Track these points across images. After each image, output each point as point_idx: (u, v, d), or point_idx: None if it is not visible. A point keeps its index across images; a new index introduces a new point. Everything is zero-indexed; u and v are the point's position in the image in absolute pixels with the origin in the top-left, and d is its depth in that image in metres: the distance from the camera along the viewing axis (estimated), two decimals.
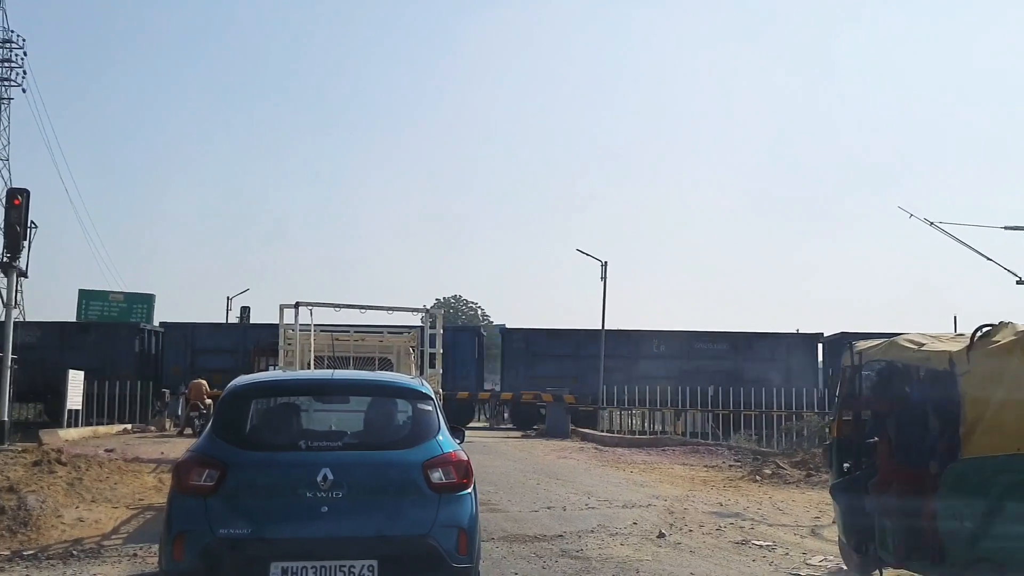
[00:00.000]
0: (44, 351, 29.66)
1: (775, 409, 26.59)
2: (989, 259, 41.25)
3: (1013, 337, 6.10)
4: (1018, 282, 39.88)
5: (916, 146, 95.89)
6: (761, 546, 9.12)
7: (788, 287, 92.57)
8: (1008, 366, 5.99)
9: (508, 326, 34.14)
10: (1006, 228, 40.81)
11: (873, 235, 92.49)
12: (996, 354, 6.06)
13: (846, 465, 7.55)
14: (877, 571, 6.98)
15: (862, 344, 7.72)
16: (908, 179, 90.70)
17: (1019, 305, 40.82)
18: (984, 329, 6.25)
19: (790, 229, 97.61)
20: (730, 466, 17.96)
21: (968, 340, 6.28)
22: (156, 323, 35.19)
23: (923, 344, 6.83)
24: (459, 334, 31.97)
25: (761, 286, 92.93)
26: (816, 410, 24.96)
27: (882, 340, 7.45)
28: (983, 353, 6.11)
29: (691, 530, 10.00)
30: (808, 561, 8.36)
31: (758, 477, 15.55)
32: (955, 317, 47.91)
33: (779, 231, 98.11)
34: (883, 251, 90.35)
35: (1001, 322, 6.31)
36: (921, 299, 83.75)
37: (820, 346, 31.48)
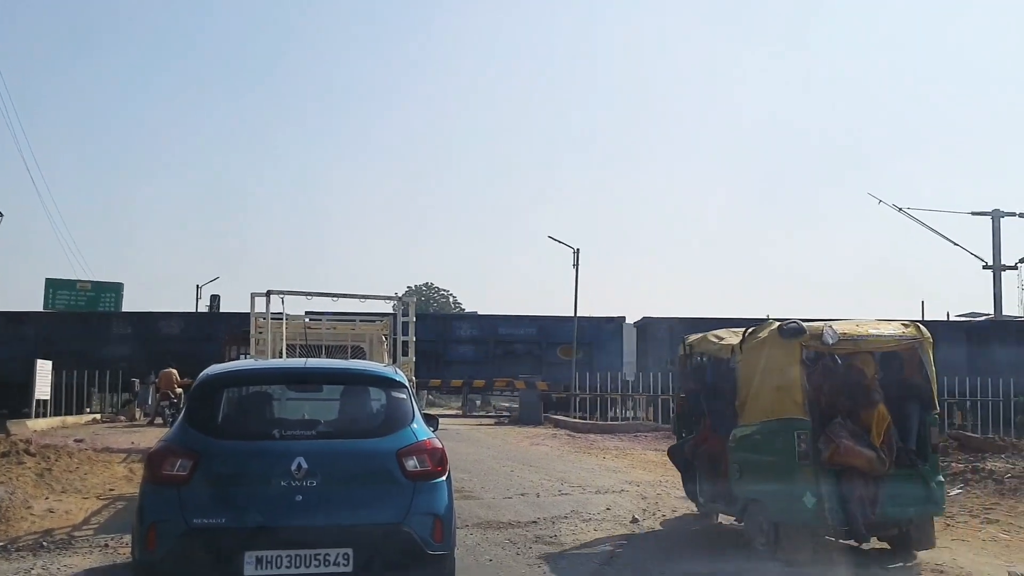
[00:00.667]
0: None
1: None
2: (956, 244, 41.51)
3: (765, 334, 7.92)
4: (984, 267, 40.62)
5: (883, 133, 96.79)
6: (732, 529, 9.20)
7: (759, 272, 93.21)
8: (761, 355, 7.94)
9: (480, 313, 34.26)
10: (972, 214, 41.53)
11: (842, 221, 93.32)
12: (755, 346, 8.05)
13: (684, 433, 10.00)
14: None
15: (692, 337, 9.71)
16: (876, 166, 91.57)
17: (986, 288, 41.37)
18: (752, 328, 8.22)
19: (760, 215, 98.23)
20: None
21: (736, 335, 8.55)
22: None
23: (722, 339, 8.94)
24: None
25: (732, 272, 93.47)
26: None
27: (705, 333, 9.53)
28: (748, 346, 8.20)
29: (664, 515, 10.08)
30: None
31: None
32: (923, 302, 48.66)
33: (749, 217, 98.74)
34: (852, 237, 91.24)
35: (767, 319, 8.21)
36: (889, 284, 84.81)
37: None
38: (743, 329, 8.54)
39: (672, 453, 10.20)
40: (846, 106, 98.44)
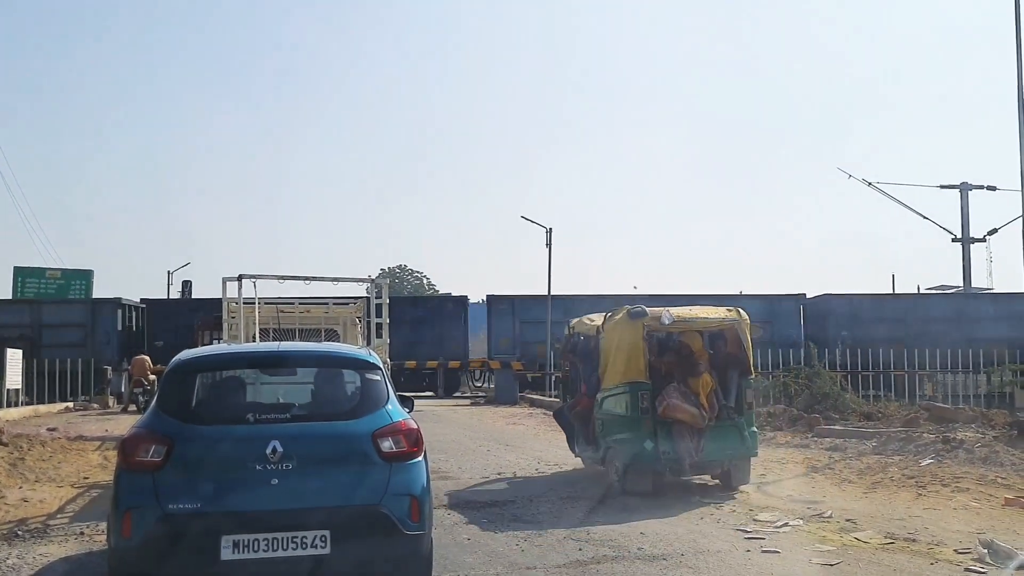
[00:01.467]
0: None
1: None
2: (925, 218, 41.86)
3: (619, 316, 10.25)
4: (953, 239, 41.05)
5: (851, 106, 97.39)
6: (708, 504, 9.30)
7: (731, 249, 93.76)
8: (615, 333, 10.23)
9: (454, 294, 34.26)
10: (941, 187, 41.90)
11: (812, 196, 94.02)
12: (612, 326, 10.37)
13: (568, 398, 12.18)
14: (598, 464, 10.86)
15: (574, 321, 12.14)
16: (846, 140, 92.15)
17: (955, 261, 41.86)
18: (611, 311, 10.61)
19: (729, 191, 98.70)
20: None
21: (599, 318, 10.94)
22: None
23: (593, 320, 11.22)
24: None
25: (706, 248, 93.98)
26: (769, 370, 25.37)
27: (582, 316, 12.00)
28: (608, 326, 10.49)
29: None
30: (755, 517, 8.54)
31: None
32: (893, 275, 49.17)
33: (719, 194, 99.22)
34: (822, 212, 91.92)
35: (624, 307, 10.33)
36: (859, 257, 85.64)
37: (802, 307, 32.09)
38: (606, 312, 10.84)
39: (556, 416, 12.61)
40: (813, 79, 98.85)
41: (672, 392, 9.82)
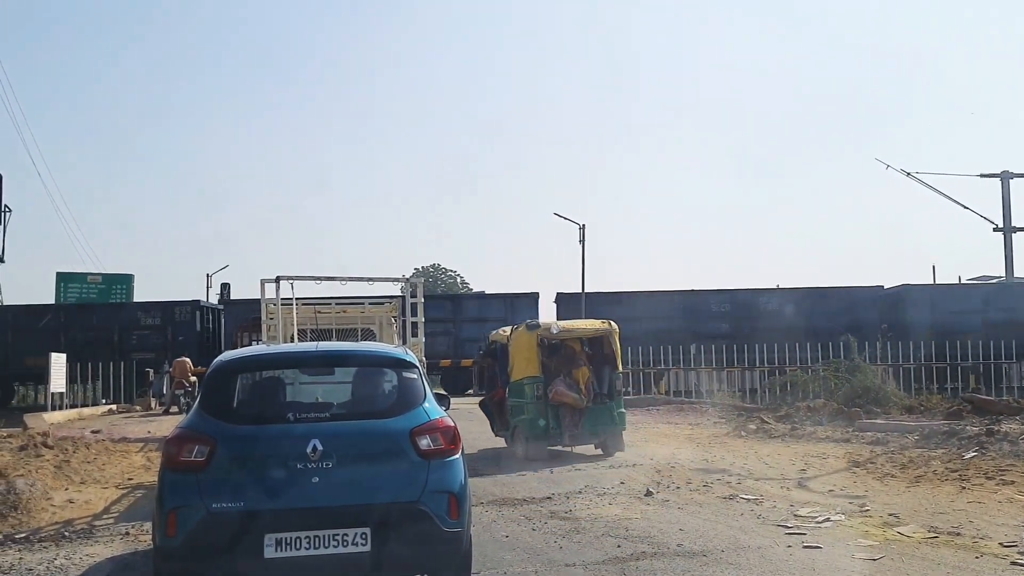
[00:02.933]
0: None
1: (759, 365, 26.79)
2: (966, 207, 41.17)
3: (520, 328, 13.63)
4: (995, 229, 40.36)
5: (889, 97, 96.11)
6: (748, 500, 9.24)
7: (767, 242, 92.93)
8: (518, 340, 13.55)
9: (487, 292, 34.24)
10: (981, 176, 41.23)
11: (849, 187, 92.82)
12: (516, 336, 13.70)
13: (486, 391, 15.50)
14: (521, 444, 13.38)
15: (492, 333, 15.59)
16: (882, 131, 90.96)
17: (996, 251, 41.13)
18: (516, 325, 14.20)
19: (765, 184, 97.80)
20: (715, 423, 18.14)
21: (510, 330, 14.31)
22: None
23: (506, 332, 14.51)
24: None
25: (737, 241, 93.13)
26: (799, 365, 25.11)
27: (498, 329, 15.78)
28: (513, 336, 13.85)
29: (678, 487, 10.11)
30: (796, 513, 8.48)
31: (743, 433, 15.72)
32: (933, 266, 48.45)
33: (754, 186, 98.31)
34: (860, 203, 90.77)
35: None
36: (899, 249, 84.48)
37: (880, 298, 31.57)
38: (513, 326, 14.51)
39: (481, 406, 15.17)
40: (851, 69, 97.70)
41: (559, 383, 13.08)
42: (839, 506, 8.76)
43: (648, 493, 9.68)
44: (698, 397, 24.72)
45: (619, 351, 13.77)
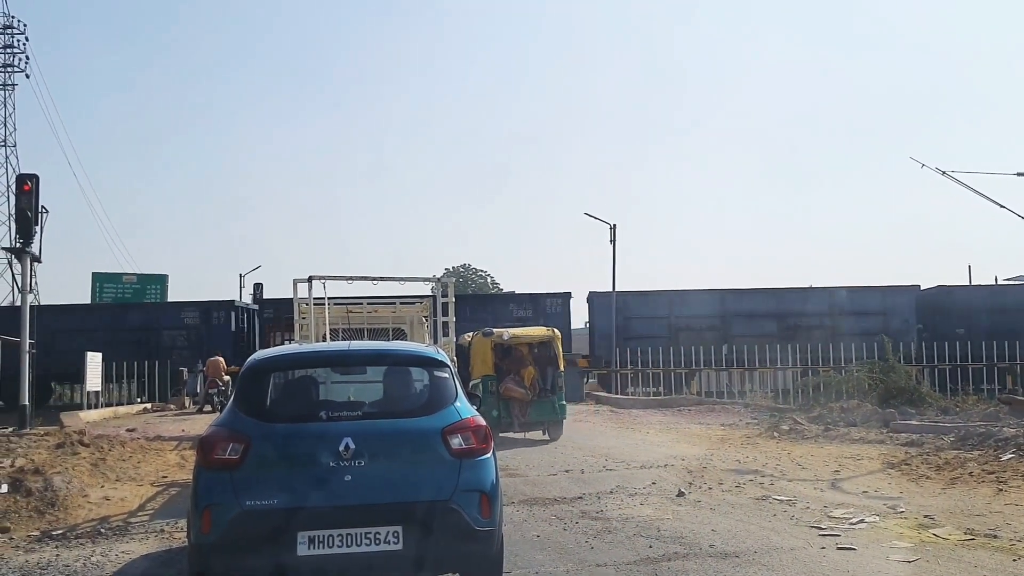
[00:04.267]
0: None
1: (792, 365, 26.58)
2: (1002, 207, 40.63)
3: (478, 335, 16.34)
4: None
5: (923, 94, 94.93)
6: (781, 501, 9.17)
7: (799, 240, 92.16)
8: (476, 345, 16.32)
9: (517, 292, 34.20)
10: (1018, 175, 40.61)
11: (884, 185, 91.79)
12: (475, 341, 16.41)
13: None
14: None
15: (461, 337, 17.24)
16: (919, 128, 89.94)
17: None
18: (474, 332, 16.91)
19: (797, 182, 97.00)
20: (747, 424, 18.03)
21: (471, 335, 16.89)
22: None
23: (467, 337, 16.99)
24: None
25: (770, 240, 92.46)
26: (833, 365, 24.86)
27: (465, 334, 17.67)
28: (473, 341, 16.55)
29: (710, 488, 10.06)
30: (830, 514, 8.40)
31: (776, 433, 15.59)
32: (969, 266, 47.84)
33: (787, 185, 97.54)
34: (895, 201, 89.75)
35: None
36: (935, 248, 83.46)
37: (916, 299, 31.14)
38: (473, 332, 17.11)
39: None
40: (886, 68, 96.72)
41: (509, 380, 15.73)
42: (874, 507, 8.67)
43: (680, 494, 9.63)
44: (730, 398, 24.57)
45: (561, 354, 16.61)
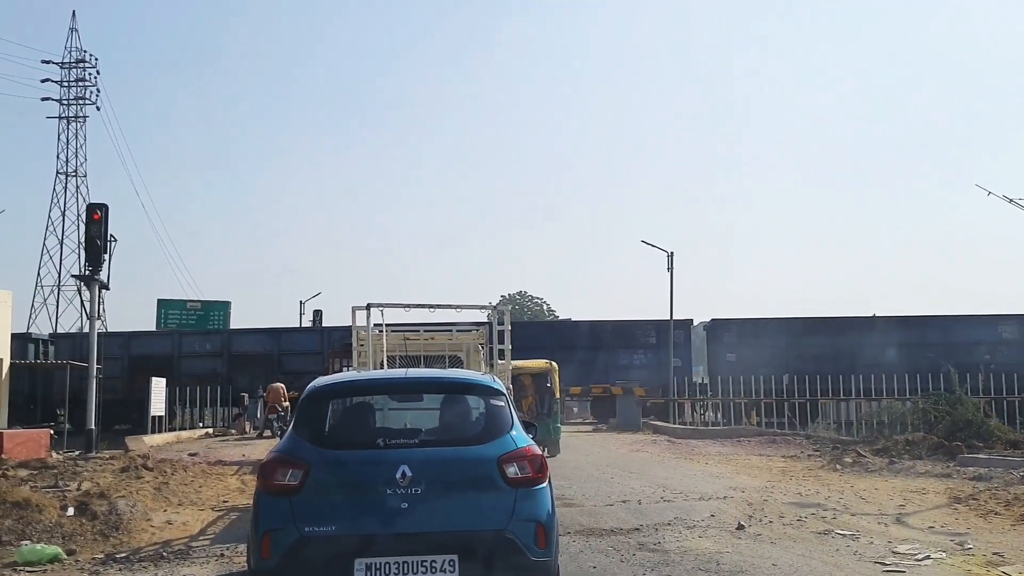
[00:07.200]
0: None
1: (855, 396, 26.04)
2: None
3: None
4: None
5: (987, 121, 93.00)
6: (844, 535, 8.97)
7: (864, 269, 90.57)
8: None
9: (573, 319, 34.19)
10: None
11: (949, 213, 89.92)
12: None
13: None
14: None
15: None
16: (981, 157, 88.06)
17: None
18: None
19: (862, 209, 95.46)
20: (809, 456, 17.68)
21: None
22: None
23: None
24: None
25: (837, 269, 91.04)
26: (897, 396, 24.31)
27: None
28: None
29: (771, 521, 9.88)
30: (894, 550, 8.20)
31: (839, 466, 15.27)
32: None
33: (850, 213, 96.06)
34: (961, 228, 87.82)
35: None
36: (1002, 275, 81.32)
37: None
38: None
39: None
40: (949, 94, 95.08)
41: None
42: (940, 544, 8.43)
43: (740, 527, 9.47)
44: (791, 428, 24.14)
45: (557, 383, 19.23)
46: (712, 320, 33.18)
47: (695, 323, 34.65)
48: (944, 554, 7.95)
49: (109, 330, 37.76)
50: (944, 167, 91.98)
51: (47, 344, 32.64)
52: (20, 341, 28.34)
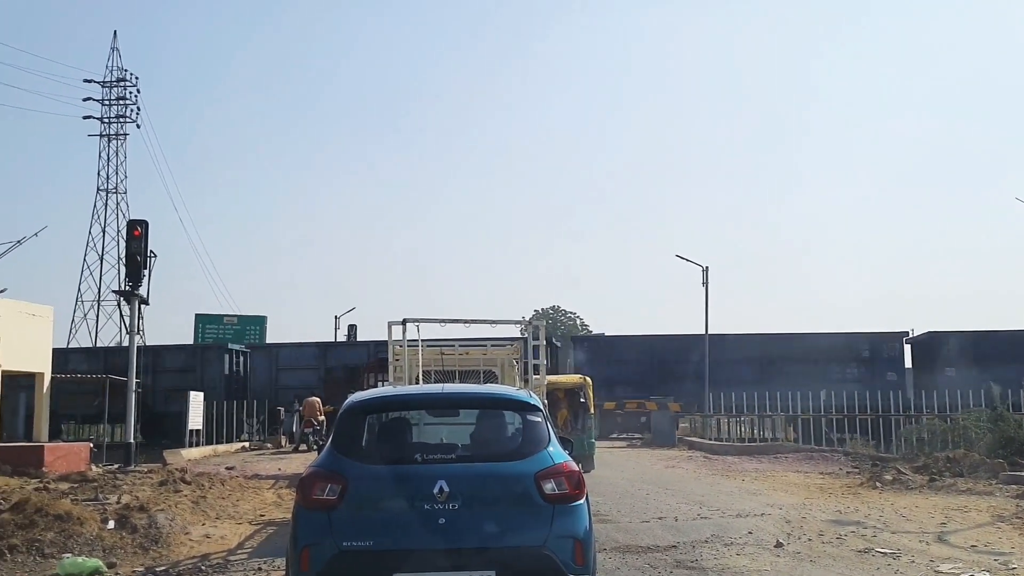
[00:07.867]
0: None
1: (893, 412, 25.67)
2: None
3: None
4: None
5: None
6: (885, 554, 8.84)
7: (909, 288, 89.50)
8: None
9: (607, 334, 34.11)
10: None
11: (988, 228, 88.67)
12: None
13: None
14: None
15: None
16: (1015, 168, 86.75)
17: None
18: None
19: (905, 225, 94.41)
20: (848, 473, 17.47)
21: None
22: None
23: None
24: None
25: (873, 287, 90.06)
26: (938, 413, 23.92)
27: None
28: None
29: (810, 539, 9.76)
30: (936, 569, 8.07)
31: (878, 483, 15.06)
32: None
33: (888, 229, 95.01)
34: (999, 244, 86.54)
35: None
36: None
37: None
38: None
39: None
40: (987, 106, 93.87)
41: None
42: (983, 563, 8.29)
43: (778, 544, 9.37)
44: (829, 444, 23.86)
45: (591, 397, 19.17)
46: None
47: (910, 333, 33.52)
48: (988, 574, 7.82)
49: (148, 344, 38.16)
50: (995, 182, 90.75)
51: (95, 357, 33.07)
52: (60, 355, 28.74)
